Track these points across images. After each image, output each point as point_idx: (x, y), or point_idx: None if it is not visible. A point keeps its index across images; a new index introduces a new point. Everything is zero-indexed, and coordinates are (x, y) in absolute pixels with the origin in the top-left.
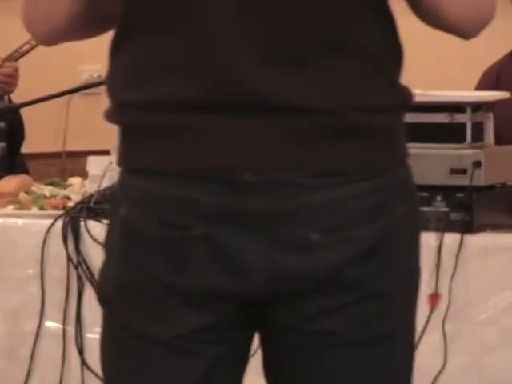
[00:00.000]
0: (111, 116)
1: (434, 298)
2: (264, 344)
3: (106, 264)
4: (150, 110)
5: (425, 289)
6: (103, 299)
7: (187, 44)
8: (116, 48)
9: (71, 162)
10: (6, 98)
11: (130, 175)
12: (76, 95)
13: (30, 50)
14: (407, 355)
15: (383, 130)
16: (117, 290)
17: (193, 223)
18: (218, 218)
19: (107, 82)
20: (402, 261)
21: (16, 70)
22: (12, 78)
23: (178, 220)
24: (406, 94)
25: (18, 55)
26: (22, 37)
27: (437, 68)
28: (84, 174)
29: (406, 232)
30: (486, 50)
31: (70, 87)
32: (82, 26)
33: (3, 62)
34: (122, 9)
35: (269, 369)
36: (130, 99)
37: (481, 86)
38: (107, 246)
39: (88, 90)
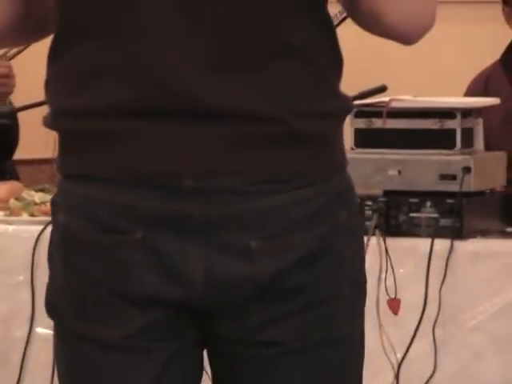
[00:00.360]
0: (49, 123)
1: (394, 303)
2: (210, 354)
3: (51, 274)
4: (88, 117)
5: (416, 294)
6: (50, 310)
7: (125, 50)
8: (54, 55)
9: None
10: (7, 102)
11: (68, 181)
12: None
13: (23, 49)
14: (356, 359)
15: (324, 138)
16: (62, 297)
17: (132, 228)
18: (158, 224)
19: (46, 90)
20: (344, 265)
21: (10, 69)
22: (9, 78)
23: (118, 225)
24: (346, 101)
25: (10, 55)
26: None
27: (427, 74)
28: None
29: (347, 237)
30: (476, 56)
31: None
32: (20, 30)
33: None
34: (58, 15)
35: (217, 380)
36: (68, 106)
37: (469, 93)
38: (49, 255)
39: None
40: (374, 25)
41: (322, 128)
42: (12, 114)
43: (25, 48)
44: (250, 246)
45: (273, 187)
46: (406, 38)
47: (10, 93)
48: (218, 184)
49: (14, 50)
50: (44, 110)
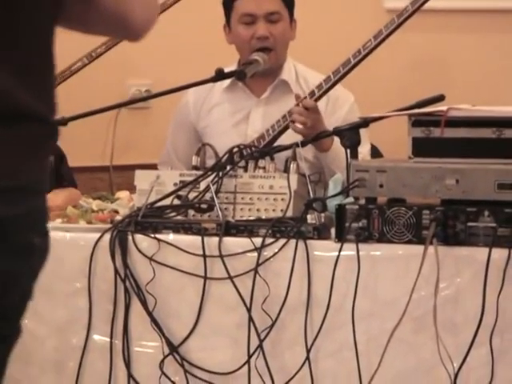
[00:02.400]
0: None
1: None
2: None
3: None
4: None
5: (474, 303)
6: None
7: None
8: None
9: (119, 176)
10: None
11: None
12: (124, 109)
13: (82, 67)
14: None
15: None
16: None
17: None
18: None
19: None
20: None
21: None
22: None
23: None
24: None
25: (68, 73)
26: (73, 54)
27: (485, 83)
28: (131, 188)
29: None
30: None
31: (118, 101)
32: None
33: None
34: None
35: None
36: None
37: None
38: None
39: (136, 105)
40: (118, 28)
41: None
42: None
43: (88, 64)
44: (35, 243)
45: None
46: (139, 36)
47: None
48: (6, 183)
49: (77, 65)
50: (98, 119)
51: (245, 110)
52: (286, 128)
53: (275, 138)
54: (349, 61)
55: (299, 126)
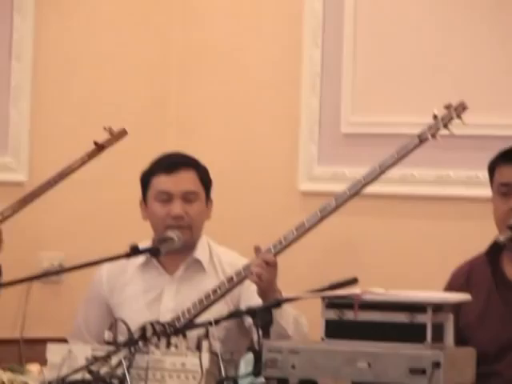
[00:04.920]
0: None
1: None
2: None
3: None
4: None
5: None
6: None
7: None
8: None
9: (29, 349)
10: None
11: None
12: (36, 282)
13: (5, 219)
14: None
15: None
16: None
17: None
18: None
19: None
20: None
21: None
22: None
23: None
24: None
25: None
26: None
27: (399, 267)
28: (41, 361)
29: None
30: (454, 249)
31: (30, 274)
32: None
33: None
34: None
35: None
36: None
37: (451, 284)
38: None
39: (48, 278)
40: None
41: None
42: None
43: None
44: None
45: None
46: None
47: None
48: None
49: (7, 214)
50: (9, 291)
51: (158, 289)
52: (204, 309)
53: (193, 318)
54: (269, 250)
55: (255, 277)
